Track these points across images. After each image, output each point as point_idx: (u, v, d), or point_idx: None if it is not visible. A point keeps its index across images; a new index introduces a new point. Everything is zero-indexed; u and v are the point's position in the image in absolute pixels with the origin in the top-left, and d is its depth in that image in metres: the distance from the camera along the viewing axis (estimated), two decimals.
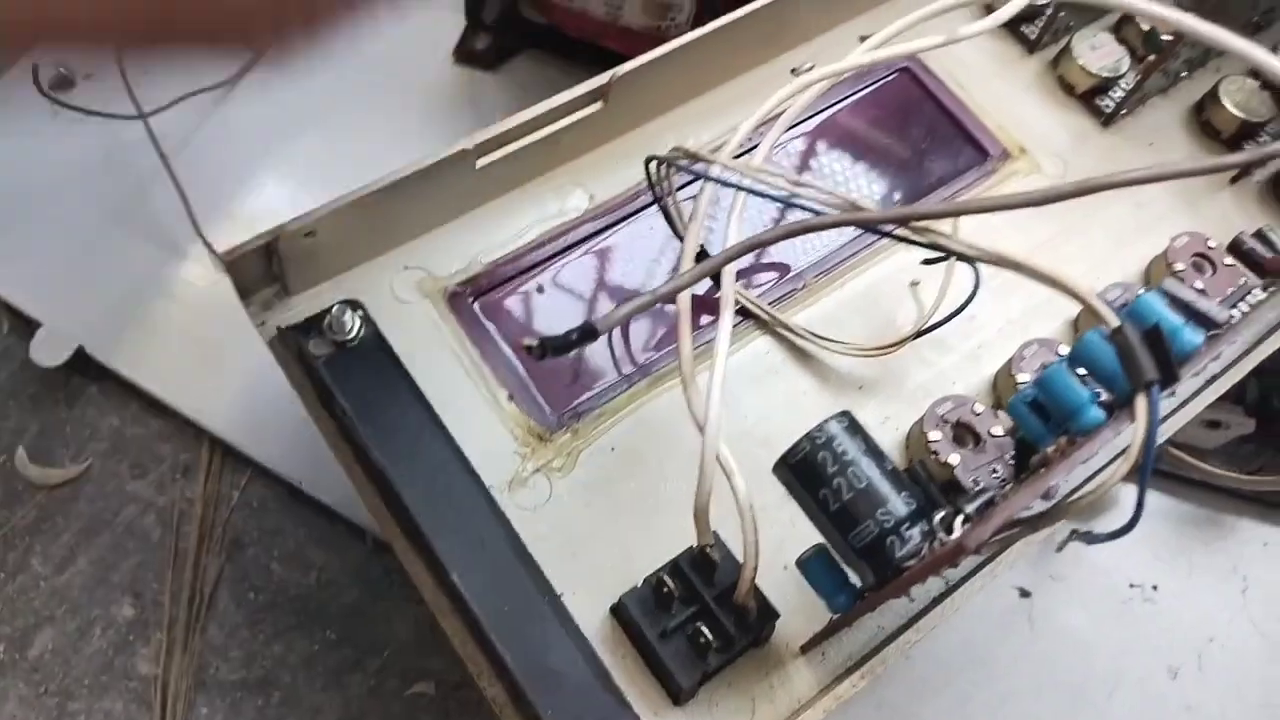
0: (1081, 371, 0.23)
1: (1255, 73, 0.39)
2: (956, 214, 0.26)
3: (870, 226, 0.26)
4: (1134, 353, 0.20)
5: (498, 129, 0.31)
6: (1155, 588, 0.37)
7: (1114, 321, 0.21)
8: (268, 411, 0.35)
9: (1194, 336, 0.21)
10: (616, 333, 0.32)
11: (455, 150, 0.30)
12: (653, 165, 0.29)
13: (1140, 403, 0.20)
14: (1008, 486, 0.28)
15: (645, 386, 0.31)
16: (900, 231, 0.25)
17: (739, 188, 0.28)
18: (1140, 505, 0.20)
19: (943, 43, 0.31)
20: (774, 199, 0.28)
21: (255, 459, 0.35)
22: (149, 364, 0.36)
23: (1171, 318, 0.22)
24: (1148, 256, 0.35)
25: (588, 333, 0.24)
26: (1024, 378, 0.31)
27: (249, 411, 0.36)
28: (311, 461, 0.32)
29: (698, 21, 0.40)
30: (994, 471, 0.29)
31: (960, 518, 0.21)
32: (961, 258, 0.25)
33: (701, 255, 0.30)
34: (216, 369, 0.36)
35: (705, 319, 0.32)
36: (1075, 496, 0.20)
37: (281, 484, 0.35)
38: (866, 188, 0.35)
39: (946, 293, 0.31)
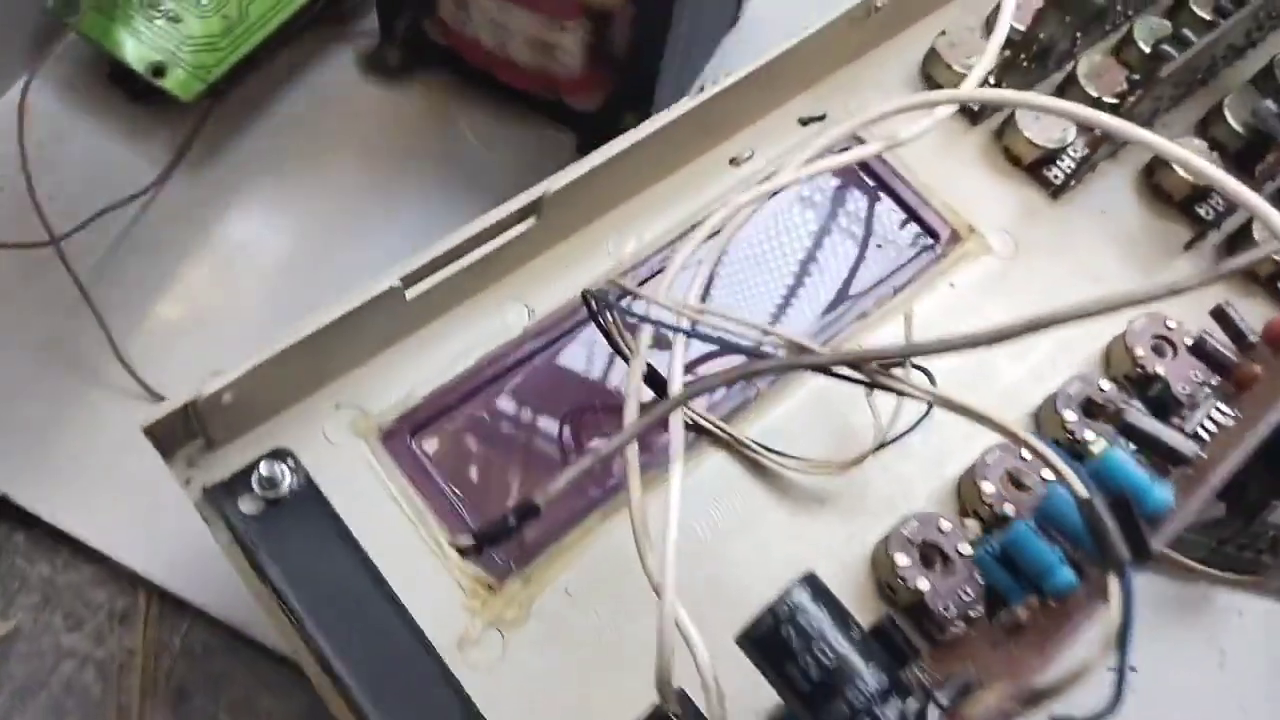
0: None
1: (1205, 133, 0.38)
2: (909, 355, 0.24)
3: (817, 369, 0.24)
4: (1104, 529, 0.19)
5: (425, 257, 0.29)
6: (1134, 669, 0.36)
7: (1080, 489, 0.20)
8: (205, 551, 0.33)
9: (1164, 494, 0.20)
10: (566, 466, 0.30)
11: (383, 289, 0.28)
12: (590, 299, 0.27)
13: (1113, 585, 0.19)
14: (978, 610, 0.27)
15: (598, 518, 0.29)
16: (846, 372, 0.23)
17: (675, 330, 0.26)
18: (1121, 690, 0.19)
19: (886, 146, 0.30)
20: (712, 340, 0.26)
21: (195, 603, 0.34)
22: (77, 507, 0.35)
23: (1138, 475, 0.21)
24: (1106, 335, 0.34)
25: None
26: (988, 487, 0.30)
27: (185, 552, 0.34)
28: (254, 602, 0.30)
29: (589, 69, 0.40)
30: (965, 595, 0.28)
31: (934, 709, 0.20)
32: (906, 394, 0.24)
33: (651, 376, 0.29)
34: (149, 508, 0.34)
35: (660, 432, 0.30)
36: (1051, 681, 0.19)
37: (224, 627, 0.34)
38: (812, 281, 0.34)
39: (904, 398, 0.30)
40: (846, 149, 0.32)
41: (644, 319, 0.26)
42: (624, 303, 0.29)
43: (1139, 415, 0.27)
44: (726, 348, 0.27)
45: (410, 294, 0.29)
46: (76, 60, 0.41)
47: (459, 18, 0.39)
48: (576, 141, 0.43)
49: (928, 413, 0.29)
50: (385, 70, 0.44)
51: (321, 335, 0.28)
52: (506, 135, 0.43)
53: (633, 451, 0.24)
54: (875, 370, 0.23)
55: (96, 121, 0.41)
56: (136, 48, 0.40)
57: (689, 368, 0.30)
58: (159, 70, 0.40)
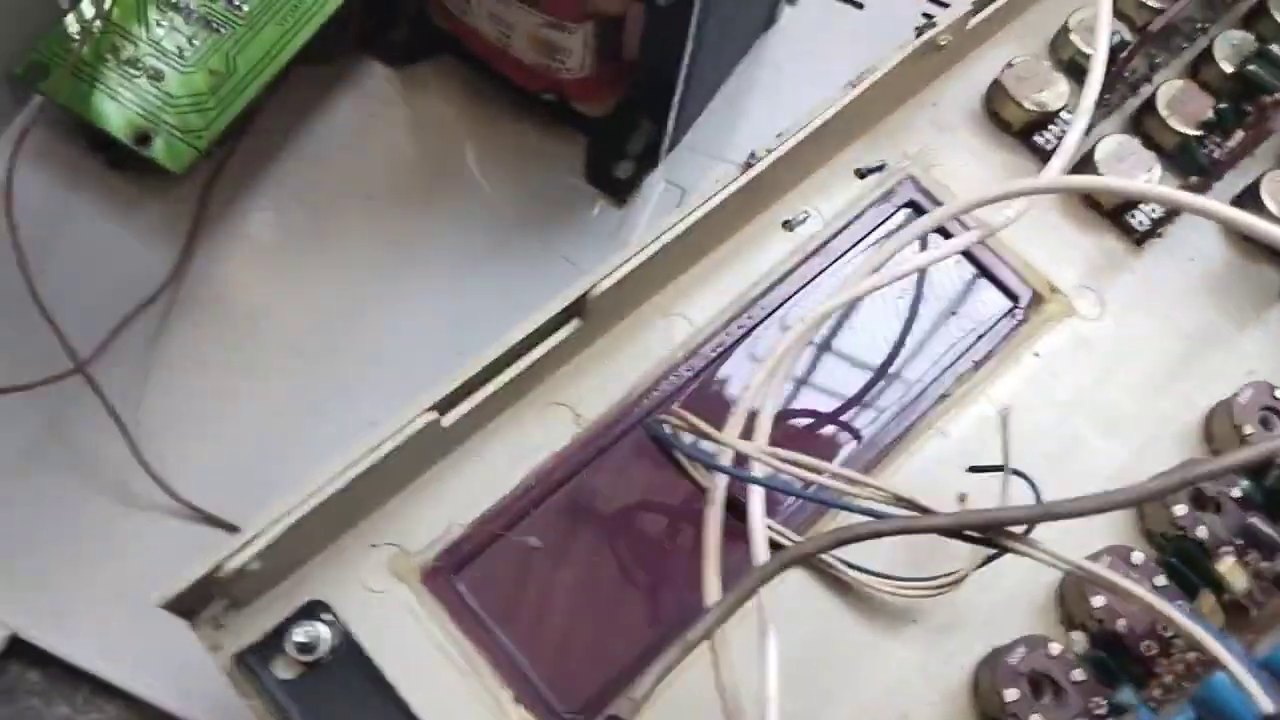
0: None
1: None
2: (1032, 521, 0.21)
3: (940, 532, 0.21)
4: None
5: (458, 379, 0.26)
6: None
7: (1264, 702, 0.17)
8: None
9: None
10: (632, 597, 0.27)
11: (416, 424, 0.25)
12: (656, 438, 0.24)
13: None
14: None
15: (677, 653, 0.26)
16: (973, 534, 0.21)
17: (754, 482, 0.23)
18: None
19: (984, 234, 0.27)
20: (807, 498, 0.23)
21: None
22: (97, 641, 0.32)
23: None
24: (1199, 402, 0.31)
25: None
26: (1099, 600, 0.27)
27: (217, 687, 0.31)
28: None
29: (598, 73, 0.36)
30: None
31: None
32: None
33: (733, 505, 0.26)
34: (177, 639, 0.31)
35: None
36: None
37: None
38: (884, 361, 0.31)
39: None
40: (945, 234, 0.28)
41: (717, 467, 0.23)
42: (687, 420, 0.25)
43: None
44: (828, 504, 0.24)
45: (446, 421, 0.26)
46: (49, 126, 0.37)
47: (460, 6, 0.36)
48: (587, 151, 0.40)
49: (1031, 527, 0.26)
50: (391, 52, 0.40)
51: (354, 484, 0.24)
52: (516, 150, 0.40)
53: (721, 641, 0.21)
54: (1004, 535, 0.20)
55: (82, 198, 0.37)
56: (118, 113, 0.36)
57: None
58: (144, 138, 0.36)
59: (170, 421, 0.34)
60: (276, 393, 0.35)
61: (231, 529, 0.32)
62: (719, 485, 0.24)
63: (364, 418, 0.34)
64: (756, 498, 0.23)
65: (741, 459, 0.24)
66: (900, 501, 0.22)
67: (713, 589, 0.22)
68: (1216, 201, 0.24)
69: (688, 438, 0.24)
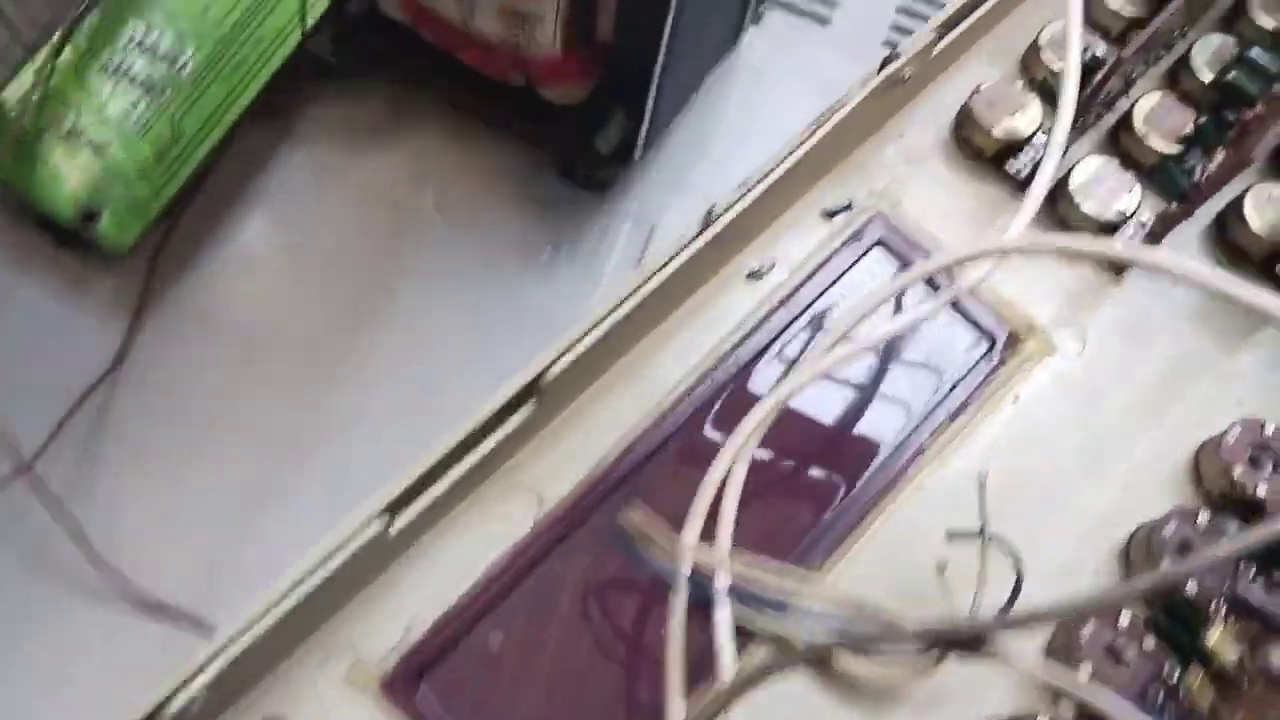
0: None
1: None
2: (997, 630, 0.20)
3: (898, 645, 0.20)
4: None
5: (409, 477, 0.25)
6: None
7: None
8: None
9: None
10: (606, 692, 0.26)
11: (370, 533, 0.24)
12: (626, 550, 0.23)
13: None
14: None
15: None
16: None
17: (718, 595, 0.22)
18: None
19: (959, 292, 0.25)
20: (767, 605, 0.22)
21: None
22: None
23: None
24: (1188, 435, 0.30)
25: None
26: (1086, 669, 0.26)
27: None
28: None
29: (569, 50, 0.35)
30: None
31: None
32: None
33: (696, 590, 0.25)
34: None
35: None
36: None
37: None
38: (851, 414, 0.30)
39: (986, 579, 0.26)
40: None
41: (674, 581, 0.22)
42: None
43: None
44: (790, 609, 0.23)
45: (396, 525, 0.25)
46: None
47: None
48: (560, 142, 0.39)
49: (1015, 592, 0.25)
50: (337, 64, 0.39)
51: (298, 609, 0.24)
52: (478, 196, 0.39)
53: None
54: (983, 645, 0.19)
55: (30, 280, 0.36)
56: (63, 191, 0.35)
57: None
58: (90, 216, 0.35)
59: (126, 512, 0.33)
60: (237, 474, 0.34)
61: (197, 623, 0.31)
62: (679, 607, 0.23)
63: (332, 492, 0.33)
64: (722, 613, 0.22)
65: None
66: (864, 614, 0.21)
67: (676, 714, 0.21)
68: (1177, 257, 0.22)
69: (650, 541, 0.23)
